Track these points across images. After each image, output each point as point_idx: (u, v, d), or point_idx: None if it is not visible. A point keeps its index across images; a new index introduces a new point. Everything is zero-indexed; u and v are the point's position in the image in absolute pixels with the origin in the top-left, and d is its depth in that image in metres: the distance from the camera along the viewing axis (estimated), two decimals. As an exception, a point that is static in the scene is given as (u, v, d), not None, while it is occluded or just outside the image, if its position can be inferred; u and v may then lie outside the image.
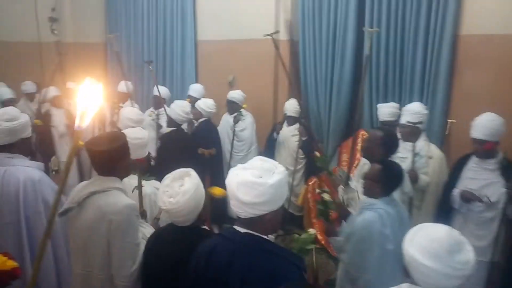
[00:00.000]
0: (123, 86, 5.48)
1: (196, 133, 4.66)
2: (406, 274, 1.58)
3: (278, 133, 4.85)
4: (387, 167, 2.52)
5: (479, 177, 3.23)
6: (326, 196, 2.78)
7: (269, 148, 4.92)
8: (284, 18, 5.06)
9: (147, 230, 2.23)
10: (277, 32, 4.05)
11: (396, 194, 2.83)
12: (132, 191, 2.43)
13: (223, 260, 1.63)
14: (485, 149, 3.18)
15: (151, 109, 5.21)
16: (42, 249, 1.36)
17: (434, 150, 3.63)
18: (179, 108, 4.19)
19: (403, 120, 3.65)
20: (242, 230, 1.65)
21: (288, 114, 4.78)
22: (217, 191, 2.23)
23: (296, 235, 2.04)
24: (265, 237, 1.67)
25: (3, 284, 1.65)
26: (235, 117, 4.84)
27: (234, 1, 5.31)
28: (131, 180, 2.45)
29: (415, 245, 1.50)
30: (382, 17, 4.37)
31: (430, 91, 4.21)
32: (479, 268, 2.24)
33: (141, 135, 2.67)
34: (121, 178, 2.21)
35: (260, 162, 1.66)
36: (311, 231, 2.05)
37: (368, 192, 2.57)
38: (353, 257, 2.48)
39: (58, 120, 5.12)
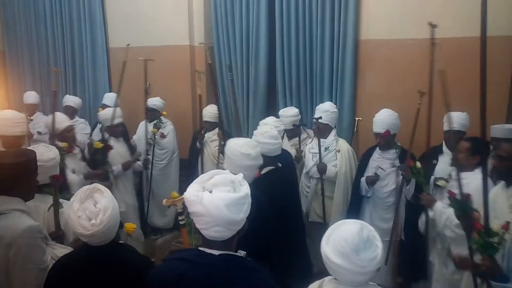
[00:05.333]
0: (31, 96, 5.11)
1: None
2: None
3: (201, 143, 4.69)
4: (475, 141, 2.93)
5: (383, 166, 3.65)
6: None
7: (193, 158, 4.85)
8: (197, 24, 5.10)
9: (58, 251, 2.06)
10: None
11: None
12: (48, 210, 2.31)
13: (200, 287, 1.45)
14: (382, 136, 3.57)
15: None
16: None
17: (342, 144, 4.01)
18: (264, 137, 2.84)
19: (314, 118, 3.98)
20: (216, 252, 1.50)
21: (206, 119, 4.79)
22: (130, 226, 2.10)
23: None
24: (239, 254, 1.55)
25: None
26: (155, 124, 4.76)
27: (146, 7, 5.21)
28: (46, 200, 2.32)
29: (330, 244, 1.57)
30: (291, 23, 4.60)
31: (338, 92, 4.51)
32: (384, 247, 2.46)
33: (53, 155, 2.48)
34: (25, 199, 2.05)
35: (220, 176, 1.51)
36: None
37: (463, 165, 2.87)
38: None
39: None
